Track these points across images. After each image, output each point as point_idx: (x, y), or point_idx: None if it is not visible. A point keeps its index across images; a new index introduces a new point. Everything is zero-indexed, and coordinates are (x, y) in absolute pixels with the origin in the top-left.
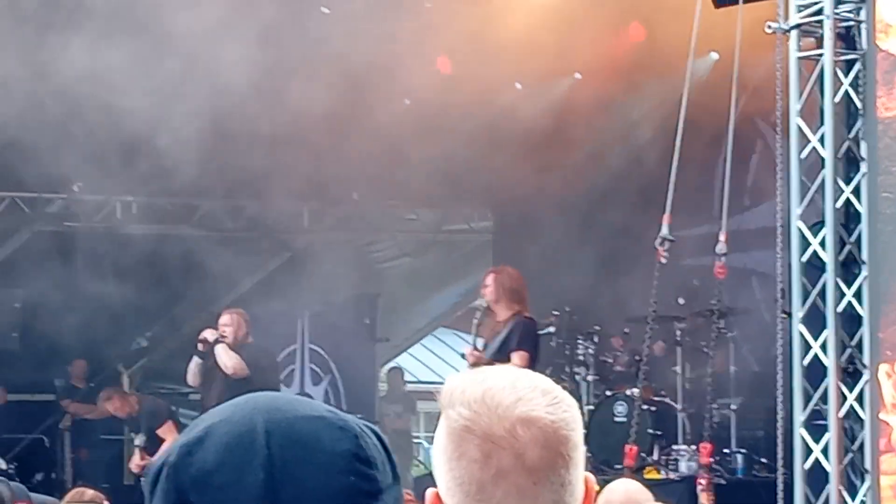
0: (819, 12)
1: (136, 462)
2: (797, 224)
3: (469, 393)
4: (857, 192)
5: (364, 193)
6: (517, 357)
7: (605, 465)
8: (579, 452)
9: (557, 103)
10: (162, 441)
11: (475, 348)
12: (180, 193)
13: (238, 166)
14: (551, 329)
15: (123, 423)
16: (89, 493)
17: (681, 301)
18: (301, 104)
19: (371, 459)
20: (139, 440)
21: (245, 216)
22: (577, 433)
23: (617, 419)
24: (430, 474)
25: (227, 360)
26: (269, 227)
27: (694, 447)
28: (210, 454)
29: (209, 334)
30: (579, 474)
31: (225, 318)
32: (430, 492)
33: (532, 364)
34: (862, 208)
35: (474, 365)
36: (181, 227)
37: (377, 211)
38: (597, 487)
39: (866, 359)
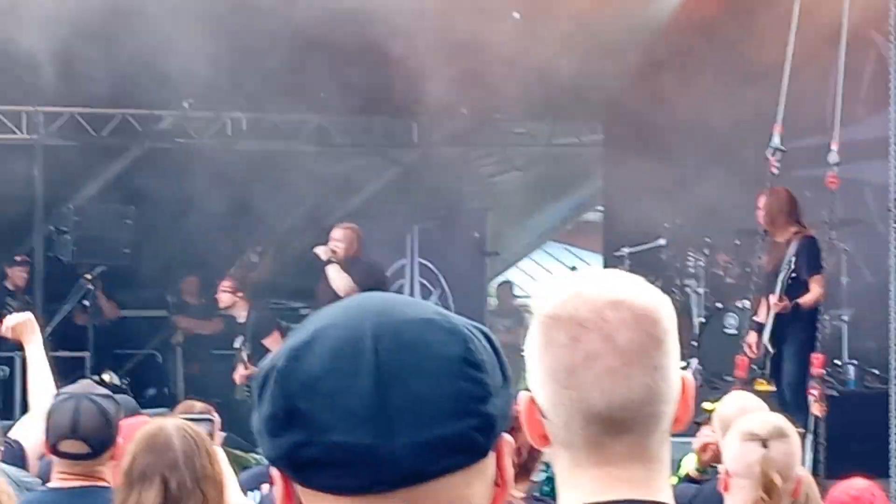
0: None
1: (240, 373)
2: None
3: (558, 288)
4: None
5: (473, 107)
6: (815, 283)
7: (715, 376)
8: (671, 338)
9: (668, 18)
10: (268, 352)
11: (779, 298)
12: (289, 110)
13: (347, 82)
14: (662, 242)
15: (235, 333)
16: (199, 405)
17: None
18: (405, 19)
19: (480, 363)
20: (239, 342)
21: (355, 131)
22: (669, 319)
23: (727, 331)
24: None
25: (339, 281)
26: (379, 142)
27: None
28: (318, 359)
29: (321, 251)
30: (673, 362)
31: (337, 233)
32: (523, 395)
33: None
34: None
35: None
36: (291, 142)
37: (486, 125)
38: (693, 385)
39: None
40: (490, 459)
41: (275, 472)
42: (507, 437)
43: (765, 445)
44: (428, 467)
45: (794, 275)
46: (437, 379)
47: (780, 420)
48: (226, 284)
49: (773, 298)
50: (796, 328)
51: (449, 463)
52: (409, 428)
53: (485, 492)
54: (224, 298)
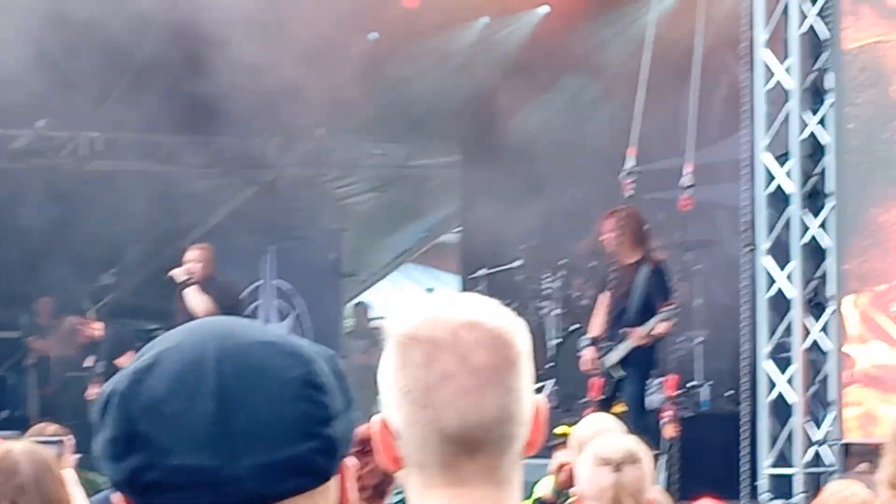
0: None
1: (92, 392)
2: (762, 156)
3: (412, 310)
4: (822, 123)
5: (330, 128)
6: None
7: (570, 398)
8: (525, 361)
9: (525, 37)
10: None
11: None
12: (144, 129)
13: (202, 101)
14: (518, 263)
15: (87, 354)
16: (51, 427)
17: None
18: (266, 39)
19: (322, 385)
20: (90, 361)
21: (210, 151)
22: (523, 342)
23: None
24: None
25: (197, 303)
26: (234, 162)
27: (659, 380)
28: (160, 382)
29: (178, 274)
30: (527, 384)
31: (192, 254)
32: (375, 418)
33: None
34: (828, 140)
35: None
36: (146, 162)
37: (343, 146)
38: (546, 408)
39: (831, 291)
40: (333, 482)
41: (117, 497)
42: (350, 459)
43: (617, 469)
44: (270, 490)
45: (645, 301)
46: (279, 401)
47: (632, 443)
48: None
49: (643, 330)
50: (637, 352)
51: (291, 485)
52: (251, 450)
53: None
54: (81, 337)
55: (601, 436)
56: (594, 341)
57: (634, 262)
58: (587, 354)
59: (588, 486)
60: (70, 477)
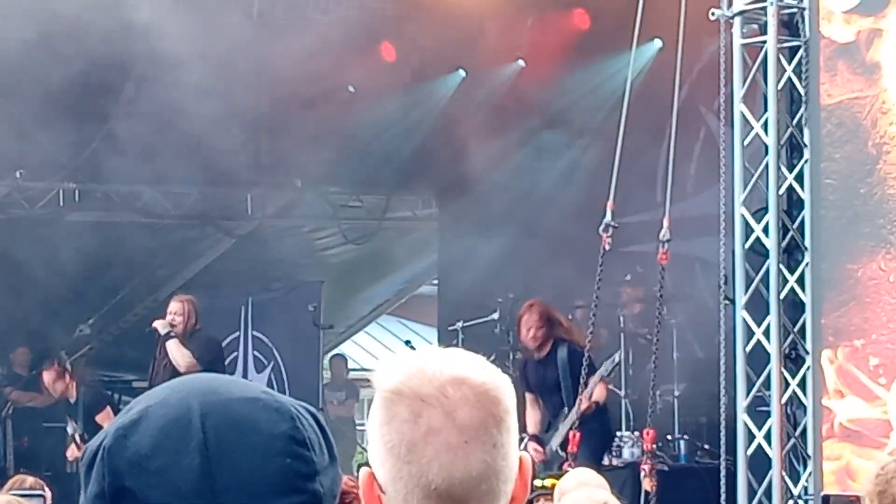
0: None
1: (72, 452)
2: (740, 210)
3: (399, 364)
4: (799, 178)
5: (307, 180)
6: (595, 382)
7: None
8: (511, 418)
9: (501, 90)
10: (101, 428)
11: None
12: (122, 181)
13: (180, 153)
14: (495, 316)
15: (65, 411)
16: (30, 479)
17: (627, 277)
18: (243, 91)
19: (307, 441)
20: (71, 428)
21: (187, 203)
22: (509, 399)
23: None
24: None
25: (179, 357)
26: (212, 214)
27: (637, 433)
28: (146, 438)
29: (160, 326)
30: (512, 440)
31: (175, 306)
32: (363, 471)
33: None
34: (805, 195)
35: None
36: (124, 213)
37: (321, 198)
38: (530, 465)
39: (809, 345)
40: None
41: None
42: None
43: None
44: None
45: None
46: (264, 456)
47: (608, 498)
48: (52, 370)
49: (584, 403)
50: (588, 432)
51: None
52: None
53: None
54: (56, 387)
55: (575, 491)
56: (535, 437)
57: (549, 350)
58: (532, 452)
59: None
60: None
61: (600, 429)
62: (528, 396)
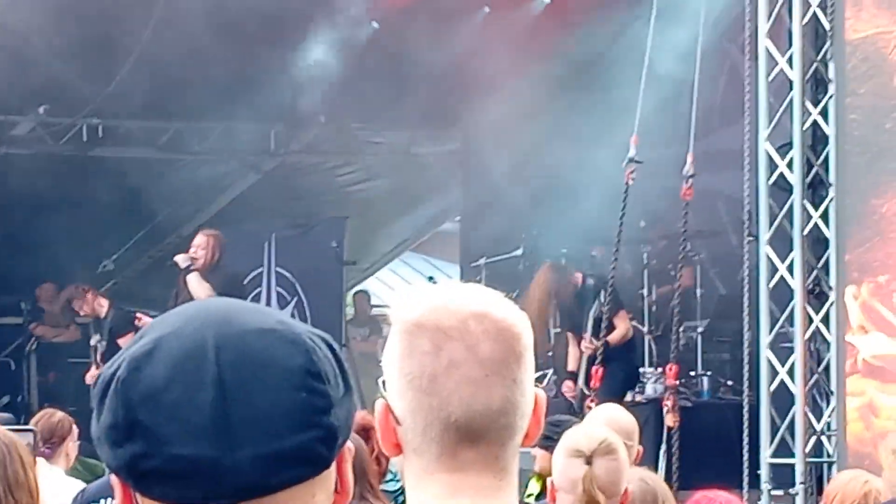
0: None
1: (92, 374)
2: (764, 146)
3: (420, 297)
4: (824, 113)
5: (331, 116)
6: (620, 320)
7: None
8: (529, 354)
9: (523, 27)
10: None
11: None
12: (146, 116)
13: (203, 88)
14: (518, 252)
15: (95, 330)
16: (59, 414)
17: (642, 224)
18: (269, 25)
19: (323, 374)
20: (94, 340)
21: (212, 138)
22: (527, 335)
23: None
24: None
25: (199, 290)
26: (237, 149)
27: (660, 369)
28: (159, 370)
29: (180, 260)
30: (529, 377)
31: (199, 240)
32: (379, 403)
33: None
34: (829, 130)
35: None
36: (148, 149)
37: (344, 134)
38: (545, 402)
39: (833, 280)
40: (332, 469)
41: (115, 480)
42: (348, 444)
43: (588, 462)
44: (270, 480)
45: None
46: (280, 391)
47: (607, 435)
48: (85, 292)
49: (585, 342)
50: (613, 368)
51: (292, 475)
52: (251, 440)
53: (326, 500)
54: (85, 308)
55: (575, 427)
56: (572, 376)
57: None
58: (566, 387)
59: (560, 477)
60: (41, 465)
61: (625, 366)
62: (569, 335)
